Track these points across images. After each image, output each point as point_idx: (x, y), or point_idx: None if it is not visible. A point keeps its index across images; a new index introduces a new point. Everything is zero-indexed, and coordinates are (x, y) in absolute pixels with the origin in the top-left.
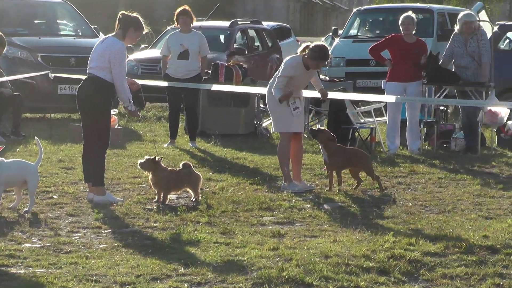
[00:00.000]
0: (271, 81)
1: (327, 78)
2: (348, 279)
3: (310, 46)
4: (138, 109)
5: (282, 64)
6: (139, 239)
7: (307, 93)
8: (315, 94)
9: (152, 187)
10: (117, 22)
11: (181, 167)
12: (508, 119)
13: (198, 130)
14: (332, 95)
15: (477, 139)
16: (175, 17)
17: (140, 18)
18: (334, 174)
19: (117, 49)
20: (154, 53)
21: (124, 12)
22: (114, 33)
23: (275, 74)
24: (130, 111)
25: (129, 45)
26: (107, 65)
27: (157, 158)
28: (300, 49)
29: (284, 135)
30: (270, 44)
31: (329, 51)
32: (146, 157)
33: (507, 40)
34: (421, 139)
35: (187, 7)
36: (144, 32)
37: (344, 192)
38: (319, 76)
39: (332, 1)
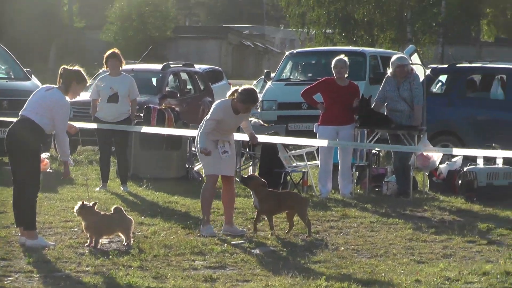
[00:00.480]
0: (201, 124)
1: (261, 122)
2: None
3: (239, 90)
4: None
5: (212, 107)
6: (71, 283)
7: (238, 136)
8: (247, 137)
9: (84, 231)
10: (58, 77)
11: (113, 211)
12: (440, 162)
13: (130, 173)
14: (264, 138)
15: (409, 183)
16: (104, 60)
17: (82, 71)
18: (263, 218)
19: (62, 105)
20: (86, 96)
21: (65, 66)
22: (58, 85)
23: (205, 118)
24: (65, 170)
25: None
26: (45, 114)
27: (89, 204)
28: (229, 93)
29: (210, 177)
30: (202, 87)
31: (260, 94)
32: (80, 202)
33: (440, 83)
34: (353, 183)
35: (116, 50)
36: (87, 84)
37: (276, 236)
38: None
39: (264, 44)
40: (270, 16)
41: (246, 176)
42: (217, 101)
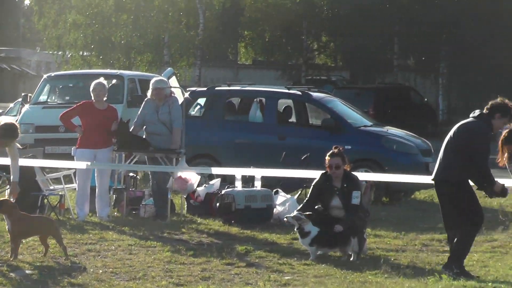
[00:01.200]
0: None
1: (18, 145)
2: None
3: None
4: None
5: None
6: None
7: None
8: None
9: None
10: None
11: None
12: (198, 185)
13: None
14: (22, 161)
15: (167, 205)
16: None
17: None
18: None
19: None
20: None
21: None
22: None
23: None
24: None
25: None
26: None
27: None
28: None
29: None
30: None
31: (17, 117)
32: None
33: (198, 106)
34: (110, 205)
35: None
36: None
37: (34, 260)
38: None
39: (20, 67)
40: (26, 39)
41: None
42: None
